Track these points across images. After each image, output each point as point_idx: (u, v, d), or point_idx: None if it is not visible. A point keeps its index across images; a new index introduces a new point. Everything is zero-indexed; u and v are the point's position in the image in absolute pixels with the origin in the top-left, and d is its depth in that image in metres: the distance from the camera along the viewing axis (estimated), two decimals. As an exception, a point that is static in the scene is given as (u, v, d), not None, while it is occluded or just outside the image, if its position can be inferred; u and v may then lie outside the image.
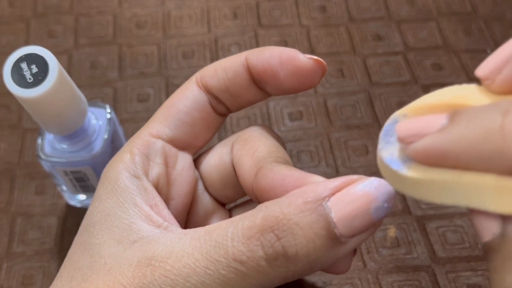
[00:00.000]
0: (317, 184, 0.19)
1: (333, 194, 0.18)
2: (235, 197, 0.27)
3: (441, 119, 0.16)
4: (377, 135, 0.42)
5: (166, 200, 0.24)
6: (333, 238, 0.18)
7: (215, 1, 0.51)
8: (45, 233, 0.38)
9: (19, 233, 0.38)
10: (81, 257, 0.21)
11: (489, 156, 0.14)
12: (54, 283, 0.21)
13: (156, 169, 0.23)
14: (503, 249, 0.16)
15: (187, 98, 0.24)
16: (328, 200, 0.18)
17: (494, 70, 0.17)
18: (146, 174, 0.23)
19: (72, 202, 0.39)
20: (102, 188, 0.22)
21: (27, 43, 0.48)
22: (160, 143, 0.23)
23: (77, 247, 0.22)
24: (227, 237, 0.18)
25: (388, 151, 0.18)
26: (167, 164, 0.24)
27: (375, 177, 0.19)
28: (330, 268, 0.21)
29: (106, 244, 0.20)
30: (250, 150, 0.23)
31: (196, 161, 0.27)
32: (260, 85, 0.24)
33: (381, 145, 0.18)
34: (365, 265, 0.36)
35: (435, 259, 0.36)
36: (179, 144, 0.24)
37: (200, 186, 0.26)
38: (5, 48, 0.48)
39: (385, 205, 0.18)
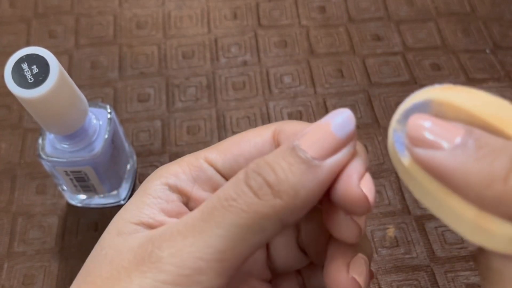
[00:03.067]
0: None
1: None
2: None
3: (456, 136, 0.16)
4: (376, 135, 0.42)
5: None
6: (306, 161, 0.19)
7: (215, 1, 0.51)
8: (45, 232, 0.39)
9: (20, 232, 0.39)
10: (92, 253, 0.21)
11: (484, 198, 0.16)
12: None
13: (200, 193, 0.23)
14: (483, 261, 0.17)
15: (256, 146, 0.23)
16: (298, 140, 0.20)
17: None
18: (181, 191, 0.22)
19: (73, 202, 0.40)
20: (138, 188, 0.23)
21: (28, 43, 0.48)
22: (211, 171, 0.23)
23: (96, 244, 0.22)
24: (219, 190, 0.20)
25: (402, 126, 0.18)
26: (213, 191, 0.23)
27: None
28: (335, 226, 0.21)
29: (109, 236, 0.21)
30: None
31: None
32: None
33: (399, 117, 0.18)
34: (364, 264, 0.36)
35: (434, 258, 0.37)
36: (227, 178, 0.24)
37: None
38: (6, 48, 0.48)
39: (344, 120, 0.20)
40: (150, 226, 0.21)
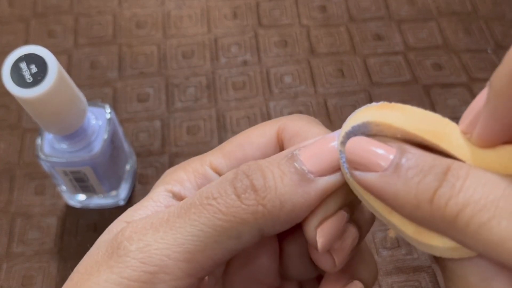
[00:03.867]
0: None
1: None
2: None
3: (388, 157, 0.16)
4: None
5: None
6: (300, 173, 0.18)
7: (215, 1, 0.51)
8: (44, 233, 0.38)
9: (19, 233, 0.38)
10: None
11: (415, 218, 0.16)
12: None
13: None
14: (439, 260, 0.17)
15: (259, 147, 0.22)
16: (299, 150, 0.19)
17: (470, 125, 0.16)
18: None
19: (72, 202, 0.39)
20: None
21: (26, 43, 0.48)
22: (216, 178, 0.22)
23: None
24: (204, 188, 0.19)
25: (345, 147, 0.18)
26: None
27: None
28: (311, 252, 0.20)
29: (101, 235, 0.20)
30: None
31: None
32: None
33: (342, 139, 0.18)
34: (365, 265, 0.36)
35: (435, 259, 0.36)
36: None
37: None
38: (4, 48, 0.48)
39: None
40: None
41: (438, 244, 0.16)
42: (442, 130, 0.17)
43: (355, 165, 0.17)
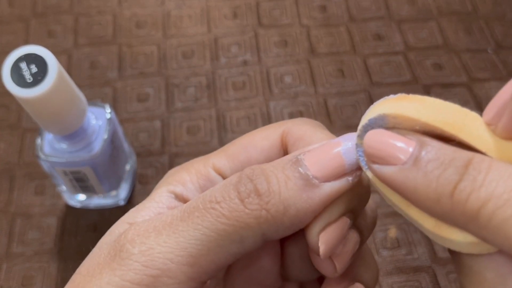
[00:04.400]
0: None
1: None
2: None
3: (408, 150, 0.16)
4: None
5: None
6: (305, 178, 0.18)
7: (215, 1, 0.51)
8: (44, 233, 0.38)
9: (19, 233, 0.38)
10: None
11: (435, 213, 0.16)
12: None
13: None
14: (455, 256, 0.17)
15: (263, 151, 0.22)
16: (303, 154, 0.19)
17: (495, 116, 0.16)
18: (187, 201, 0.22)
19: (72, 202, 0.39)
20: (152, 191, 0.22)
21: (26, 43, 0.48)
22: (218, 180, 0.22)
23: None
24: (207, 191, 0.19)
25: (362, 141, 0.18)
26: None
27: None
28: (312, 257, 0.21)
29: (103, 236, 0.20)
30: None
31: None
32: None
33: (359, 132, 0.18)
34: (365, 265, 0.36)
35: (435, 259, 0.36)
36: None
37: None
38: (4, 48, 0.48)
39: (354, 145, 0.19)
40: None
41: (458, 238, 0.16)
42: (462, 121, 0.16)
43: (373, 158, 0.17)
